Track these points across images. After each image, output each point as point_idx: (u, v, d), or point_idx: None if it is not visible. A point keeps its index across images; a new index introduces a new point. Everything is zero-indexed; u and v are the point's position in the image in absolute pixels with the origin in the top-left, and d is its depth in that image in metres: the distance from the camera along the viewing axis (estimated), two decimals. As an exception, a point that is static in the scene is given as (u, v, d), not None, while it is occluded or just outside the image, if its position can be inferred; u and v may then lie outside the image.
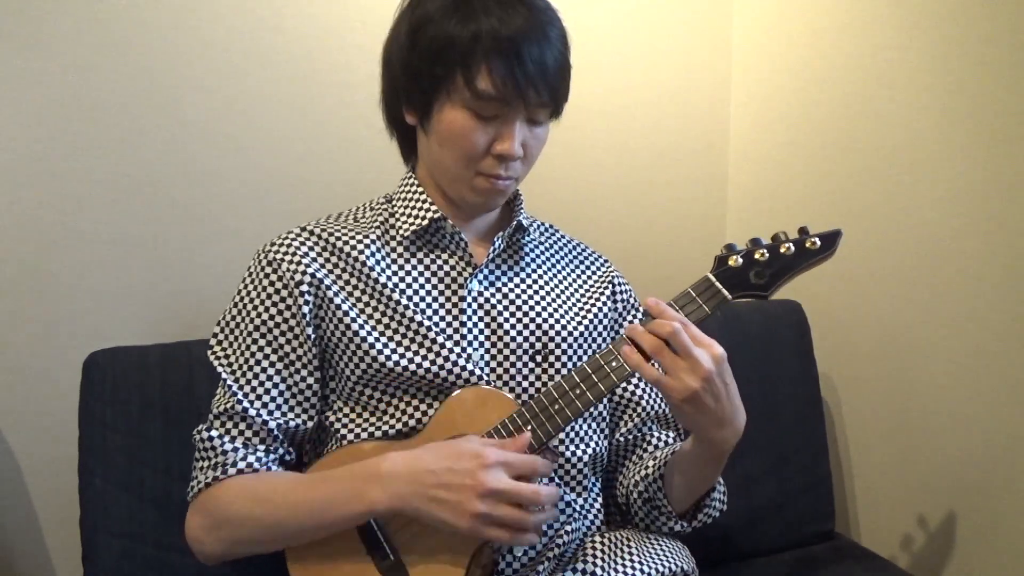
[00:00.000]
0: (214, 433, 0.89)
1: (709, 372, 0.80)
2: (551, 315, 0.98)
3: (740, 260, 0.87)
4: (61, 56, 1.17)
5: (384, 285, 0.93)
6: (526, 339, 0.96)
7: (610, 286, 1.07)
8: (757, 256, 0.87)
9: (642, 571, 0.91)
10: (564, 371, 0.96)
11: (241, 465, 0.88)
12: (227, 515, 0.86)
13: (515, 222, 1.00)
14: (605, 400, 1.02)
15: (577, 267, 1.07)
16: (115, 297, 1.25)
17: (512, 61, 0.85)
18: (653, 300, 0.84)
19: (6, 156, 1.17)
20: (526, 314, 0.97)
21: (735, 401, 0.86)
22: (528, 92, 0.86)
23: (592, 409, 0.99)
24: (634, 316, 1.08)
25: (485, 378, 0.92)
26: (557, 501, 0.88)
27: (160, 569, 1.02)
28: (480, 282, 0.97)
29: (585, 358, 0.97)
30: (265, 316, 0.92)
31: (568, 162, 1.51)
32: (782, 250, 0.87)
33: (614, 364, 0.85)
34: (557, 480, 0.95)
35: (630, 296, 1.09)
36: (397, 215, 0.98)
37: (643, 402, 1.04)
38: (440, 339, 0.91)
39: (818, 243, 0.87)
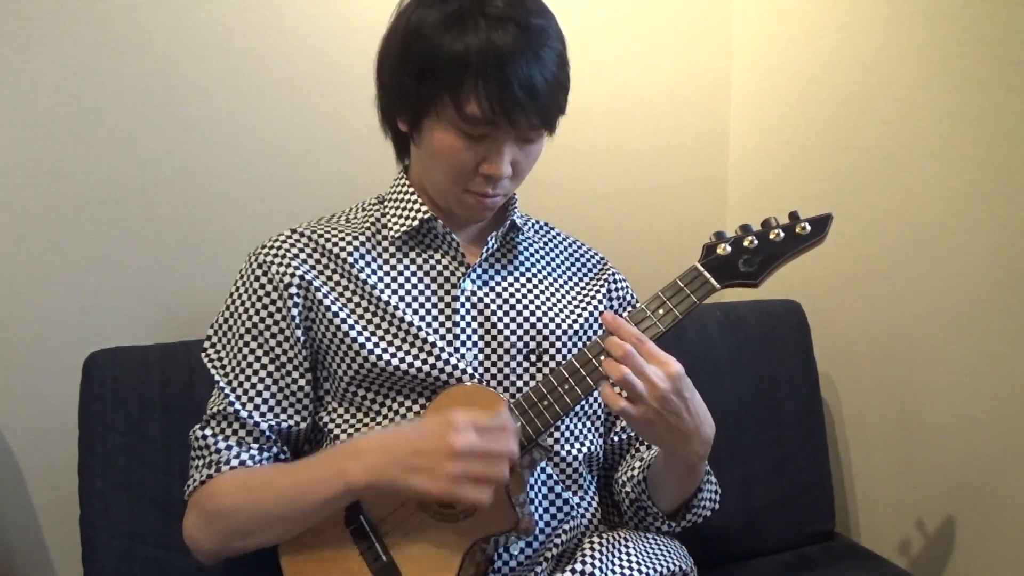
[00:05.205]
0: (208, 432, 0.90)
1: (664, 392, 0.79)
2: (545, 313, 0.98)
3: (728, 248, 0.86)
4: (61, 56, 1.17)
5: (373, 286, 0.93)
6: (520, 338, 0.95)
7: (606, 283, 1.07)
8: (746, 243, 0.86)
9: (639, 571, 0.91)
10: None
11: (235, 463, 0.88)
12: (219, 508, 0.86)
13: (509, 221, 1.00)
14: (600, 398, 1.02)
15: (572, 265, 1.07)
16: (115, 297, 1.25)
17: (500, 84, 0.82)
18: (610, 315, 0.83)
19: (6, 156, 1.17)
20: (520, 313, 0.97)
21: (699, 414, 0.84)
22: (517, 116, 0.84)
23: (585, 405, 0.99)
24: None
25: (478, 377, 0.92)
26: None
27: (160, 569, 1.02)
28: (473, 281, 0.97)
29: None
30: (256, 319, 0.92)
31: (568, 162, 1.51)
32: (771, 236, 0.86)
33: (602, 357, 0.83)
34: (555, 479, 0.95)
35: (627, 292, 1.09)
36: (388, 215, 0.98)
37: None
38: (432, 338, 0.91)
39: (808, 228, 0.85)
